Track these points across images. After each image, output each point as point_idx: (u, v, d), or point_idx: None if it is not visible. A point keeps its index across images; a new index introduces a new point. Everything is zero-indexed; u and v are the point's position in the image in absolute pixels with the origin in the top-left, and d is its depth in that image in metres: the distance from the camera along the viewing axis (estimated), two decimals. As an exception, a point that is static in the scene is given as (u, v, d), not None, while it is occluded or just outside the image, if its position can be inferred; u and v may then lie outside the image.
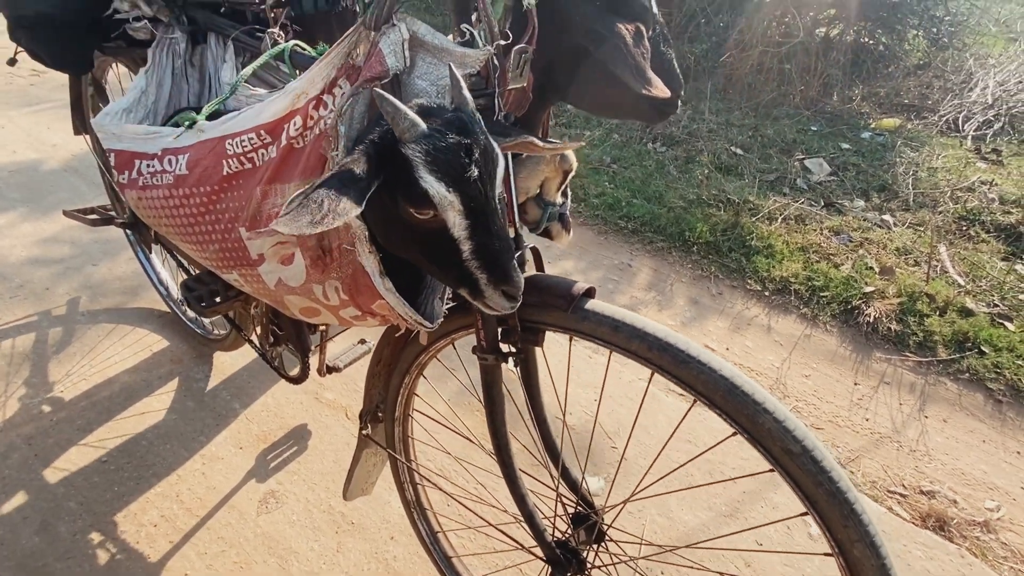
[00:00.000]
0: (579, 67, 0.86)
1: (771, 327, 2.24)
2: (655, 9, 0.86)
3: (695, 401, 0.72)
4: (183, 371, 1.81)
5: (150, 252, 1.94)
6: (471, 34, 0.70)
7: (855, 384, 2.03)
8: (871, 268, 2.41)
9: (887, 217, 2.77)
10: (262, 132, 0.80)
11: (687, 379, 0.71)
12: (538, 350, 0.91)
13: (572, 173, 1.02)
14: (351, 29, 0.71)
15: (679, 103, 0.87)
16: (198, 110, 1.14)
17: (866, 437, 1.83)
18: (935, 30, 4.79)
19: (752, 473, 0.85)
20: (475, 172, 0.61)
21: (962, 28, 4.87)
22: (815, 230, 2.64)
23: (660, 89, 0.81)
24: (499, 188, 0.66)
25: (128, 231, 1.90)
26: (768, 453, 0.67)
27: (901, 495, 1.65)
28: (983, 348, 2.09)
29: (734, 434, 0.70)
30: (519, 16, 0.76)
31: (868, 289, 2.29)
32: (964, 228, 2.74)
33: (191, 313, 1.93)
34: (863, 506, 0.65)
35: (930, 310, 2.22)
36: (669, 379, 0.73)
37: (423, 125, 0.61)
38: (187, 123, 0.93)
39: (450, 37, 0.75)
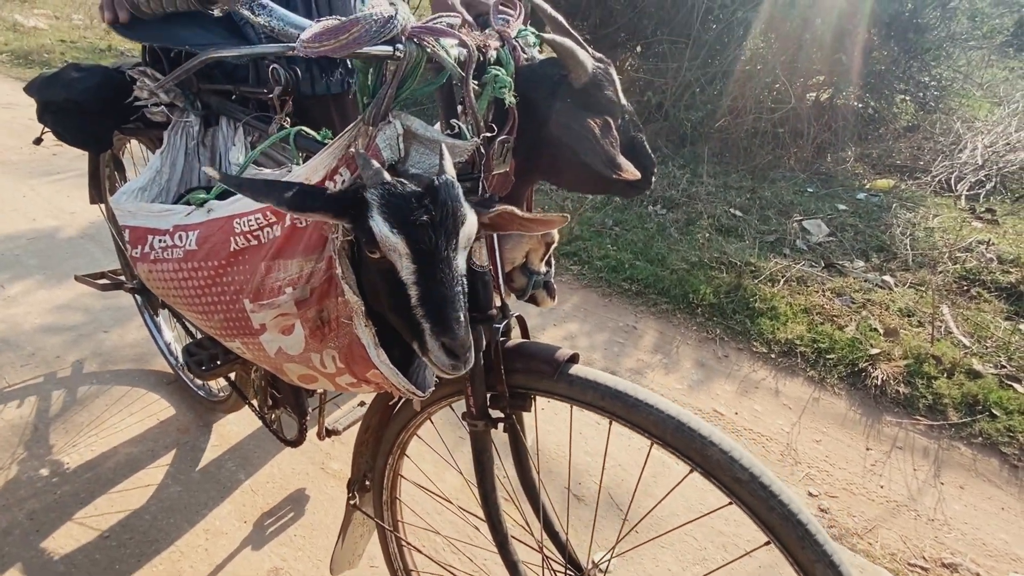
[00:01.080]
0: (557, 154, 0.92)
1: (779, 390, 2.23)
2: (623, 100, 0.92)
3: (651, 443, 0.75)
4: (189, 440, 1.80)
5: (157, 316, 1.97)
6: (459, 127, 0.76)
7: (867, 449, 2.01)
8: (875, 330, 2.42)
9: (887, 278, 2.81)
10: (268, 212, 0.84)
11: (639, 422, 0.74)
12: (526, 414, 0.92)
13: (555, 244, 1.09)
14: (351, 125, 0.75)
15: (652, 178, 0.96)
16: (209, 189, 1.20)
17: (882, 506, 1.79)
18: (922, 95, 4.99)
19: (713, 510, 0.84)
20: (424, 218, 0.65)
21: (947, 92, 5.07)
22: (817, 291, 2.67)
23: (630, 172, 0.87)
24: (462, 245, 0.69)
25: (136, 296, 1.94)
26: (721, 484, 0.70)
27: (923, 568, 1.60)
28: (994, 411, 2.07)
29: (691, 471, 0.73)
30: (501, 110, 0.84)
31: (874, 351, 2.30)
32: (965, 288, 2.77)
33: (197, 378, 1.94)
34: (816, 526, 0.66)
35: (937, 372, 2.22)
36: (623, 424, 0.76)
37: (386, 176, 0.67)
38: (198, 202, 0.97)
39: (437, 126, 0.81)
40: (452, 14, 0.79)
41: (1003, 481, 1.89)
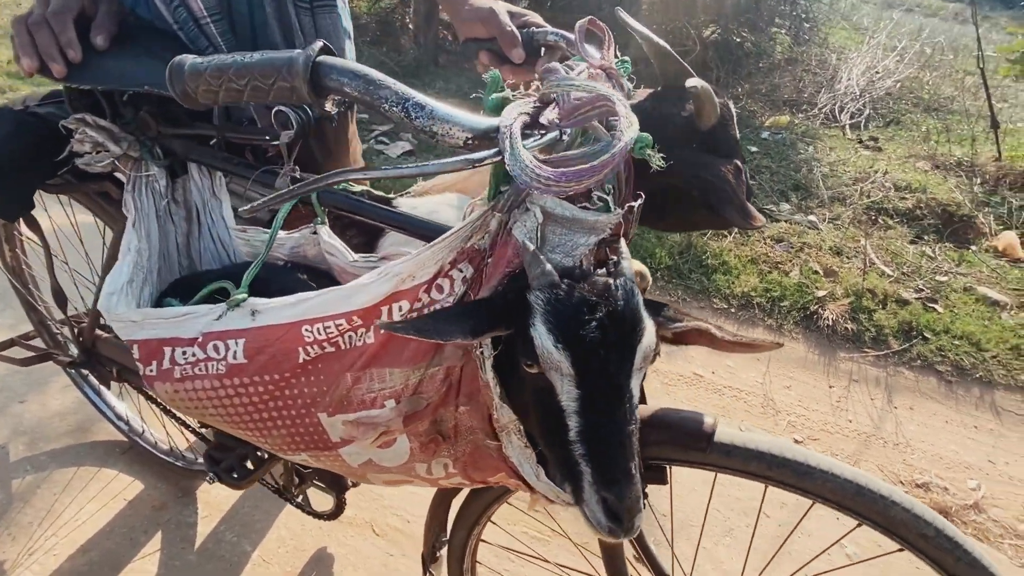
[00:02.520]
0: (670, 202, 0.85)
1: (745, 343, 2.37)
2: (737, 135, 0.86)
3: (813, 503, 0.75)
4: (171, 517, 1.59)
5: (108, 388, 1.68)
6: (603, 199, 0.66)
7: (830, 387, 2.20)
8: (816, 272, 2.62)
9: (812, 217, 3.03)
10: (354, 318, 0.71)
11: (813, 489, 0.73)
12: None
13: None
14: (477, 214, 0.64)
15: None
16: (199, 276, 1.00)
17: (856, 440, 1.99)
18: (795, 28, 5.30)
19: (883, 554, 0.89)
20: (595, 335, 0.56)
21: (818, 24, 5.43)
22: (759, 240, 2.82)
23: (758, 219, 0.82)
24: (636, 367, 0.60)
25: (75, 370, 1.63)
26: (905, 541, 0.71)
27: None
28: (925, 334, 2.34)
29: (859, 525, 0.74)
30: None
31: (820, 293, 2.49)
32: (874, 218, 3.05)
33: (159, 441, 1.70)
34: (997, 569, 0.69)
35: (875, 305, 2.45)
36: (789, 490, 0.75)
37: (555, 275, 0.57)
38: (234, 304, 0.80)
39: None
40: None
41: (942, 396, 2.17)
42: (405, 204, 1.01)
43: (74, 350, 1.46)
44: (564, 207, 0.65)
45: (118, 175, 1.10)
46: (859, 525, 0.73)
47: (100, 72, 0.89)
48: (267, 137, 0.91)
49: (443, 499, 1.04)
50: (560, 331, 0.56)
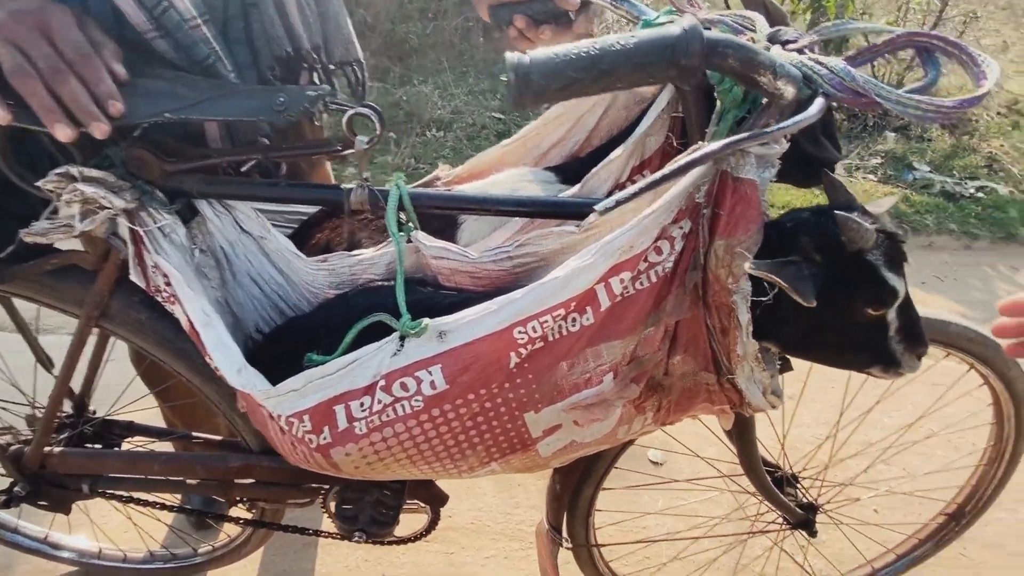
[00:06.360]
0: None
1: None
2: None
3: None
4: (189, 623, 1.34)
5: (67, 514, 1.30)
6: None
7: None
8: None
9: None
10: (571, 304, 0.70)
11: None
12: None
13: None
14: (701, 170, 0.66)
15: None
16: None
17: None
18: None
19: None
20: (906, 257, 0.71)
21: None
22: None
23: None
24: None
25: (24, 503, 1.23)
26: None
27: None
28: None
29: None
30: None
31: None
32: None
33: (130, 551, 1.40)
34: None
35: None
36: None
37: (875, 232, 0.67)
38: (408, 335, 0.71)
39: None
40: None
41: None
42: (473, 190, 0.96)
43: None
44: (755, 146, 0.70)
45: (60, 246, 0.85)
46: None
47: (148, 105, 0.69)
48: (339, 147, 0.79)
49: (573, 465, 1.06)
50: (897, 271, 0.69)
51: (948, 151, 3.40)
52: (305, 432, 0.70)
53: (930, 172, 3.24)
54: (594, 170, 0.88)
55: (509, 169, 1.00)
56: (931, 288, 2.60)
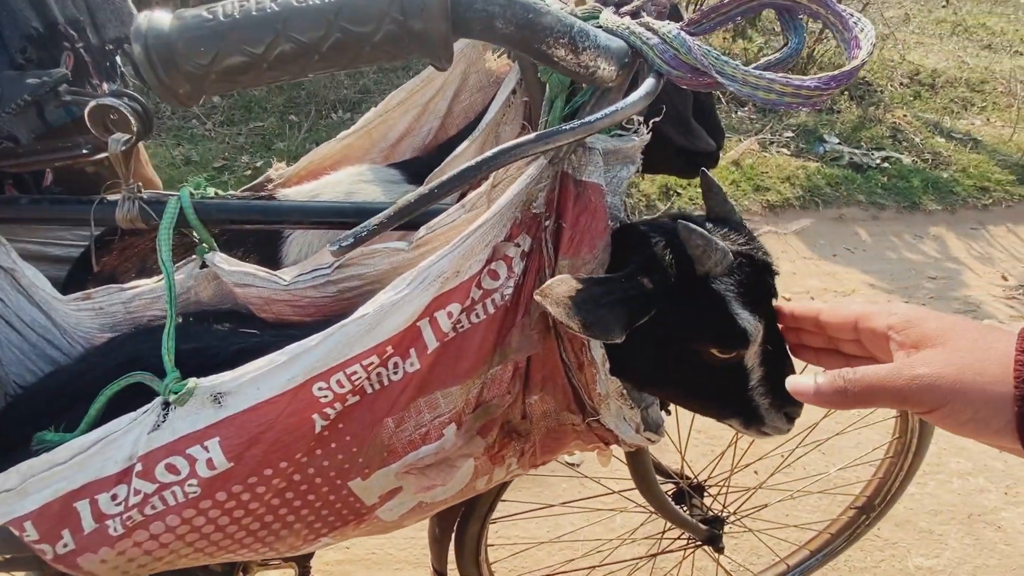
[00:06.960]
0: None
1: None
2: None
3: None
4: None
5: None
6: (637, 122, 0.59)
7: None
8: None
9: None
10: (387, 349, 0.55)
11: None
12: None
13: None
14: (533, 169, 0.52)
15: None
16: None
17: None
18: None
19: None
20: (772, 290, 0.58)
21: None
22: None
23: (705, 142, 0.83)
24: None
25: None
26: None
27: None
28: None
29: None
30: None
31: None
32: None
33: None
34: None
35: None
36: None
37: (730, 253, 0.54)
38: (183, 398, 0.54)
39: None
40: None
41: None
42: (300, 195, 0.79)
43: None
44: (602, 139, 0.56)
45: None
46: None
47: None
48: (84, 150, 0.61)
49: (445, 512, 0.93)
50: (755, 308, 0.54)
51: (856, 122, 3.45)
52: (33, 542, 0.52)
53: (839, 144, 3.27)
54: (439, 168, 0.73)
55: (348, 167, 0.83)
56: (842, 260, 2.61)
